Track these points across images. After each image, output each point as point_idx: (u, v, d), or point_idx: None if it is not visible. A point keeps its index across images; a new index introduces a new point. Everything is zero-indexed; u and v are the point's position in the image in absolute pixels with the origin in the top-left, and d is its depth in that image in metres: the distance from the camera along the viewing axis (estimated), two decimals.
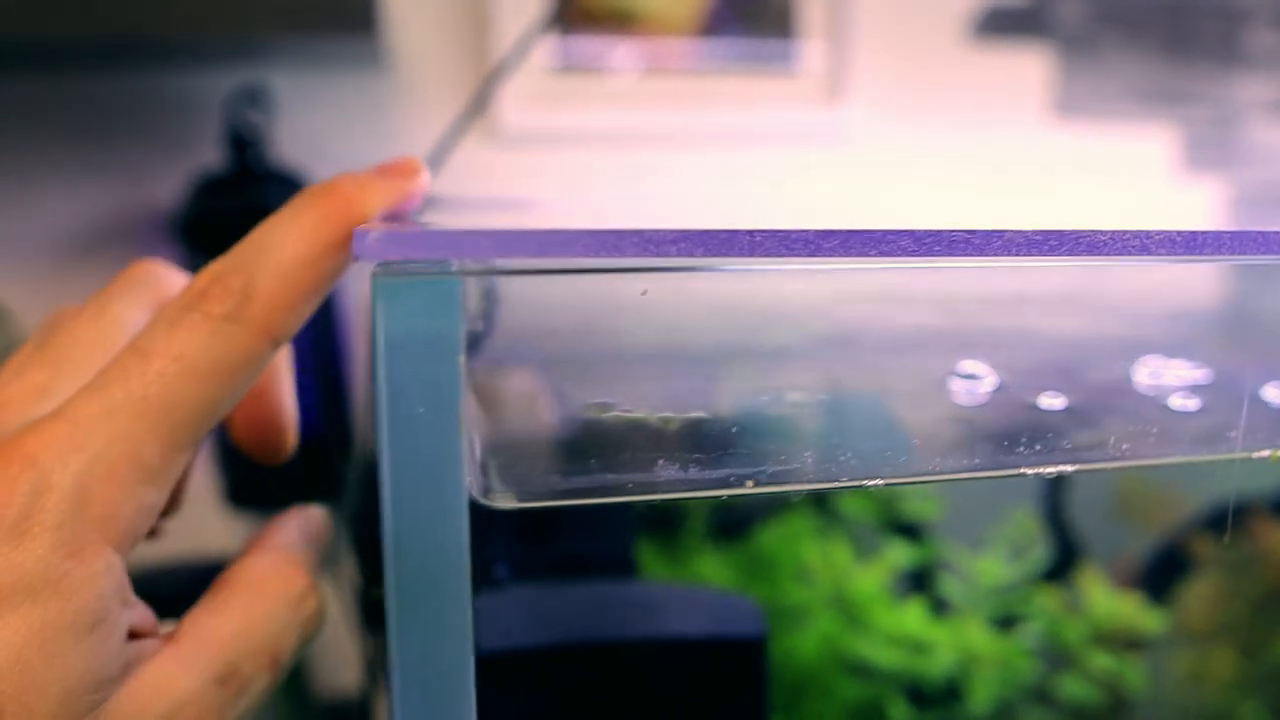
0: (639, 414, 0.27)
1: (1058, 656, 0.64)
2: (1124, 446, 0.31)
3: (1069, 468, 0.30)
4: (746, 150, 1.03)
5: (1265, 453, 0.31)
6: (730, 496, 0.27)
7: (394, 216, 0.29)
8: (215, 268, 0.26)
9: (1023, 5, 1.08)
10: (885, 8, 1.05)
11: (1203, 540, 0.69)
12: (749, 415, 0.28)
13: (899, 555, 0.66)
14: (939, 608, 0.66)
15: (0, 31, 0.72)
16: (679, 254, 0.22)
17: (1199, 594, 0.67)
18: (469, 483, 0.22)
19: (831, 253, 0.24)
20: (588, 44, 1.00)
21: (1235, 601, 0.66)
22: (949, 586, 0.66)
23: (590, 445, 0.26)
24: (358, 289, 0.96)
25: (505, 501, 0.25)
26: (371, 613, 0.70)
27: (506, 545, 0.39)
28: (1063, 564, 0.67)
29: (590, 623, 0.34)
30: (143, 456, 0.24)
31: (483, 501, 0.24)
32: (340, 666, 1.01)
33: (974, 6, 1.07)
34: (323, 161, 0.94)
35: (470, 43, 0.98)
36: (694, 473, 0.26)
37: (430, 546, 0.21)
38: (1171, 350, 0.38)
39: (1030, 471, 0.29)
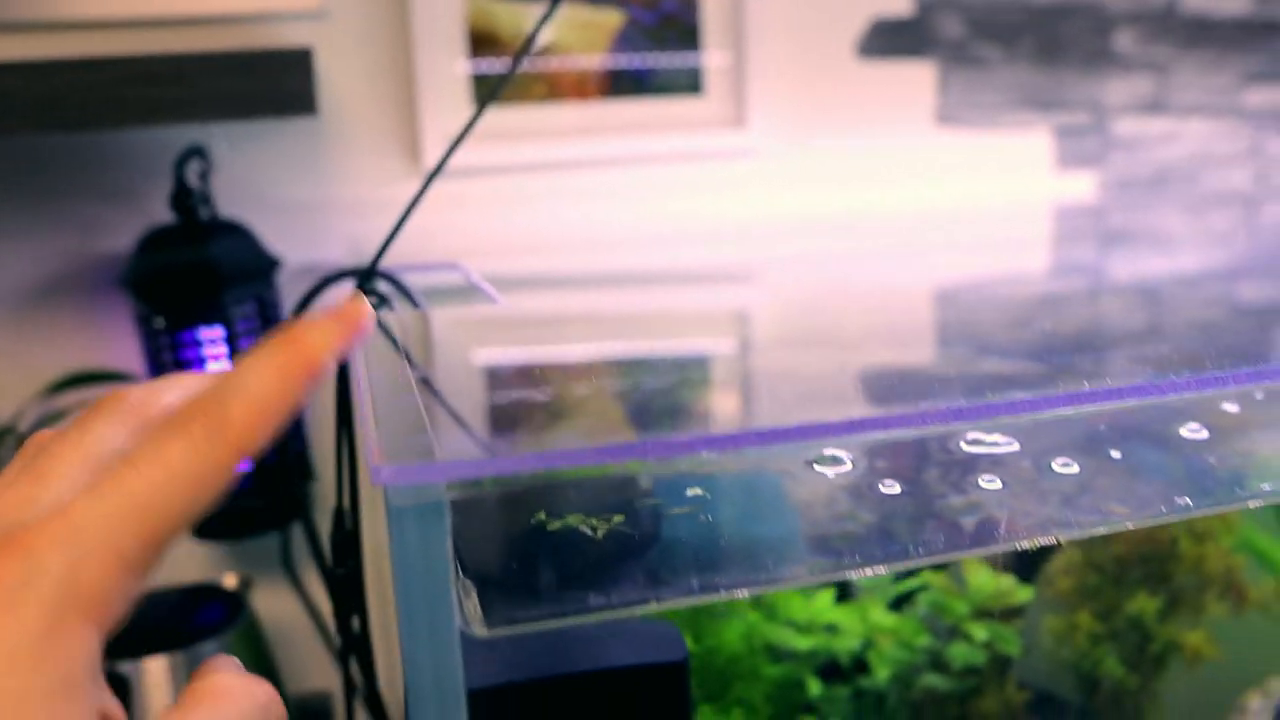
0: (572, 522, 0.35)
1: (946, 628, 0.75)
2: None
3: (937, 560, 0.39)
4: (658, 170, 1.12)
5: (1024, 544, 0.41)
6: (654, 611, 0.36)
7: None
8: (198, 400, 0.31)
9: (906, 19, 1.18)
10: (782, 31, 1.14)
11: None
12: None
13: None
14: (845, 594, 0.77)
15: None
16: (630, 457, 0.31)
17: (1060, 565, 0.78)
18: (459, 620, 0.31)
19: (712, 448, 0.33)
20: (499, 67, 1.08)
21: (1093, 569, 0.77)
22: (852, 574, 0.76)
23: (543, 573, 0.35)
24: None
25: (488, 631, 0.33)
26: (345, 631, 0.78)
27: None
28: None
29: (533, 661, 0.42)
30: (128, 551, 0.27)
31: (466, 631, 0.32)
32: (307, 669, 1.09)
33: (863, 25, 1.17)
34: (263, 209, 1.00)
35: (394, 84, 1.05)
36: (617, 596, 0.35)
37: (436, 676, 0.30)
38: None
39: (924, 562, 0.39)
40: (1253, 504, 0.43)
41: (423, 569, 0.29)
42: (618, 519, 0.36)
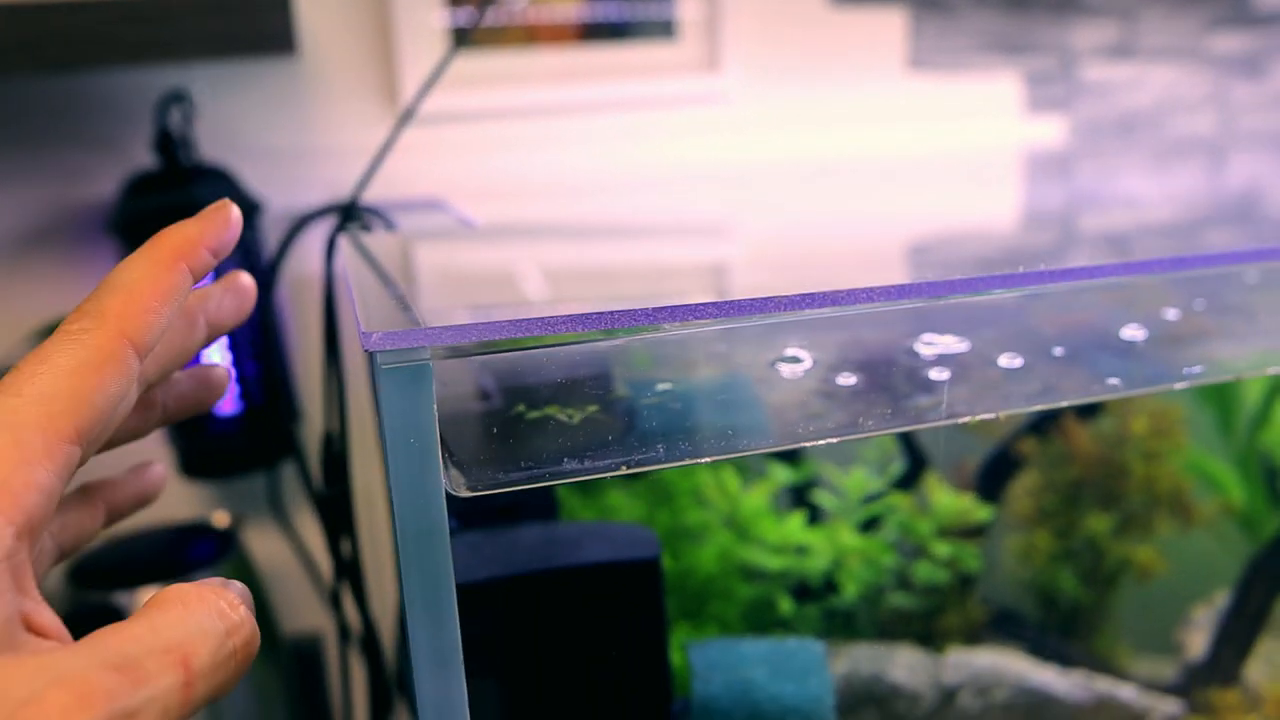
0: (550, 410, 0.38)
1: (911, 549, 0.79)
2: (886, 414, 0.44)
3: (860, 435, 0.42)
4: (633, 115, 1.14)
5: (966, 419, 0.44)
6: (627, 473, 0.39)
7: (219, 250, 0.38)
8: (80, 305, 0.33)
9: None
10: None
11: (1027, 441, 0.84)
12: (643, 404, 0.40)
13: (780, 476, 0.79)
14: (815, 517, 0.80)
15: None
16: (588, 327, 0.34)
17: (1023, 487, 0.82)
18: (446, 482, 0.34)
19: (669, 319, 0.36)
20: (479, 16, 1.09)
21: (1051, 491, 0.81)
22: (823, 499, 0.80)
23: (520, 446, 0.38)
24: (290, 280, 1.06)
25: (469, 492, 0.36)
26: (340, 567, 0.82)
27: (454, 501, 0.51)
28: (913, 473, 0.81)
29: (515, 558, 0.45)
30: (26, 442, 0.28)
31: (451, 492, 0.35)
32: (301, 611, 1.12)
33: None
34: (245, 153, 1.02)
35: (372, 33, 1.06)
36: (589, 463, 0.38)
37: (424, 527, 0.33)
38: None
39: (832, 440, 0.42)
40: (1177, 386, 0.46)
41: (410, 428, 0.32)
42: (592, 409, 0.39)
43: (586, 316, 0.33)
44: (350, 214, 0.72)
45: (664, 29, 1.14)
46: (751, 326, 0.44)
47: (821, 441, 0.40)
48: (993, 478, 0.83)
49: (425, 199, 0.90)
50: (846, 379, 0.42)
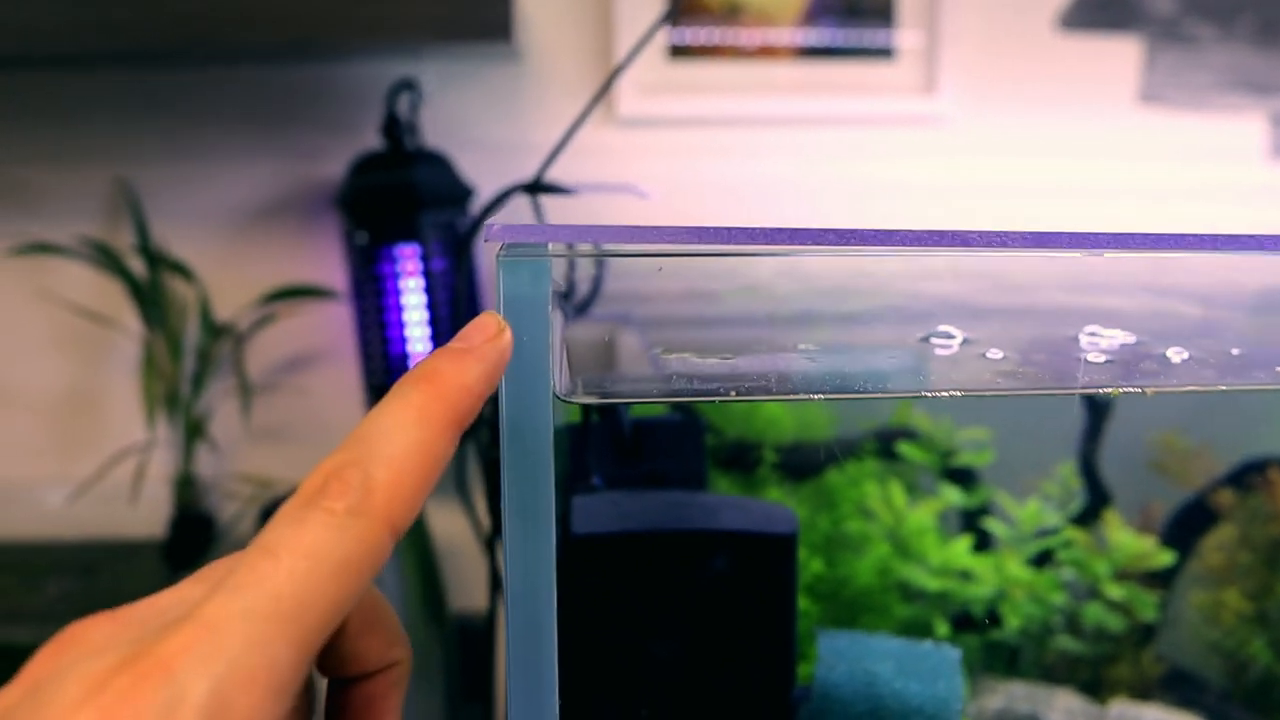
0: (686, 353, 0.39)
1: (1084, 590, 0.75)
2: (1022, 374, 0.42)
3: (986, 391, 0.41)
4: (847, 132, 1.14)
5: (1108, 390, 0.42)
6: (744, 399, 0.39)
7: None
8: (331, 463, 0.26)
9: None
10: None
11: (1226, 494, 0.78)
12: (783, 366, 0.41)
13: (951, 497, 0.77)
14: (984, 545, 0.77)
15: (203, 37, 0.88)
16: (701, 241, 0.34)
17: (1217, 539, 0.77)
18: (555, 386, 0.35)
19: (836, 241, 0.36)
20: (700, 34, 1.12)
21: (1248, 548, 0.75)
22: (994, 526, 0.77)
23: (645, 374, 0.39)
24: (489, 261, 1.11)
25: (576, 399, 0.37)
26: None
27: (603, 462, 0.53)
28: (1093, 510, 0.77)
29: (655, 518, 0.46)
30: (279, 663, 0.23)
31: (561, 398, 0.36)
32: (471, 589, 1.17)
33: None
34: (465, 144, 1.08)
35: (594, 36, 1.10)
36: (702, 386, 0.38)
37: (528, 429, 0.34)
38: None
39: (959, 393, 0.41)
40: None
41: (524, 324, 0.33)
42: (728, 355, 0.40)
43: (711, 231, 0.33)
44: (536, 190, 0.75)
45: (882, 48, 1.14)
46: (907, 307, 0.44)
47: (972, 393, 0.39)
48: (1183, 527, 0.78)
49: (620, 184, 0.92)
50: (994, 353, 0.41)
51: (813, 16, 1.12)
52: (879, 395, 0.40)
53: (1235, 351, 0.44)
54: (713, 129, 1.12)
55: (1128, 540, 0.72)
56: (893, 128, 1.14)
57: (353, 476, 0.25)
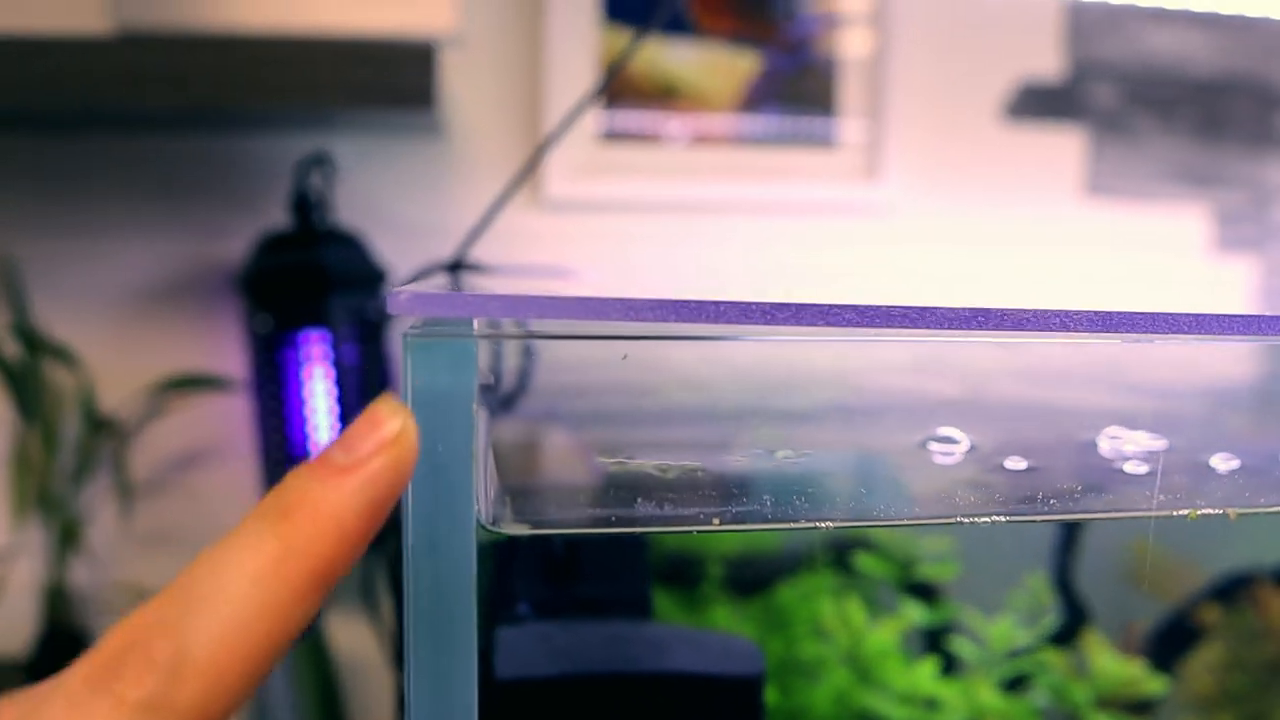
0: (639, 464, 0.31)
1: (1063, 717, 0.67)
2: (1052, 502, 0.35)
3: (1001, 518, 0.34)
4: (786, 220, 1.09)
5: (1184, 511, 0.35)
6: (700, 530, 0.31)
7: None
8: (137, 625, 0.19)
9: (1056, 86, 1.13)
10: (922, 87, 1.10)
11: (1210, 609, 0.72)
12: (741, 468, 0.33)
13: (914, 614, 0.70)
14: (951, 667, 0.70)
15: (100, 100, 0.80)
16: (655, 319, 0.27)
17: (1205, 661, 0.70)
18: (480, 511, 0.27)
19: (789, 321, 0.29)
20: (633, 118, 1.06)
21: (1239, 670, 0.69)
22: (962, 646, 0.70)
23: (590, 488, 0.31)
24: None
25: (509, 528, 0.29)
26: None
27: (530, 585, 0.44)
28: (1070, 628, 0.70)
29: (597, 656, 0.38)
30: None
31: (489, 528, 0.28)
32: (376, 710, 1.06)
33: (1009, 87, 1.13)
34: (380, 224, 1.00)
35: (522, 115, 1.04)
36: (670, 510, 0.30)
37: (443, 561, 0.26)
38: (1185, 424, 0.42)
39: (965, 520, 0.34)
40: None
41: (438, 427, 0.25)
42: (692, 465, 0.32)
43: (645, 304, 0.26)
44: (457, 269, 0.68)
45: (822, 136, 1.09)
46: (900, 408, 0.37)
47: (963, 520, 0.32)
48: (1167, 645, 0.71)
49: (549, 265, 0.86)
50: (1016, 462, 0.34)
51: (752, 103, 1.08)
52: (917, 522, 0.33)
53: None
54: (646, 215, 1.06)
55: (1112, 664, 0.65)
56: (834, 216, 1.09)
57: (161, 651, 0.19)
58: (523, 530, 0.30)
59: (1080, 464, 0.37)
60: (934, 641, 0.72)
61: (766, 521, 0.32)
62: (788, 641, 0.65)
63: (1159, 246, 1.18)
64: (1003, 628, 0.69)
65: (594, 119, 1.06)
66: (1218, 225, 1.20)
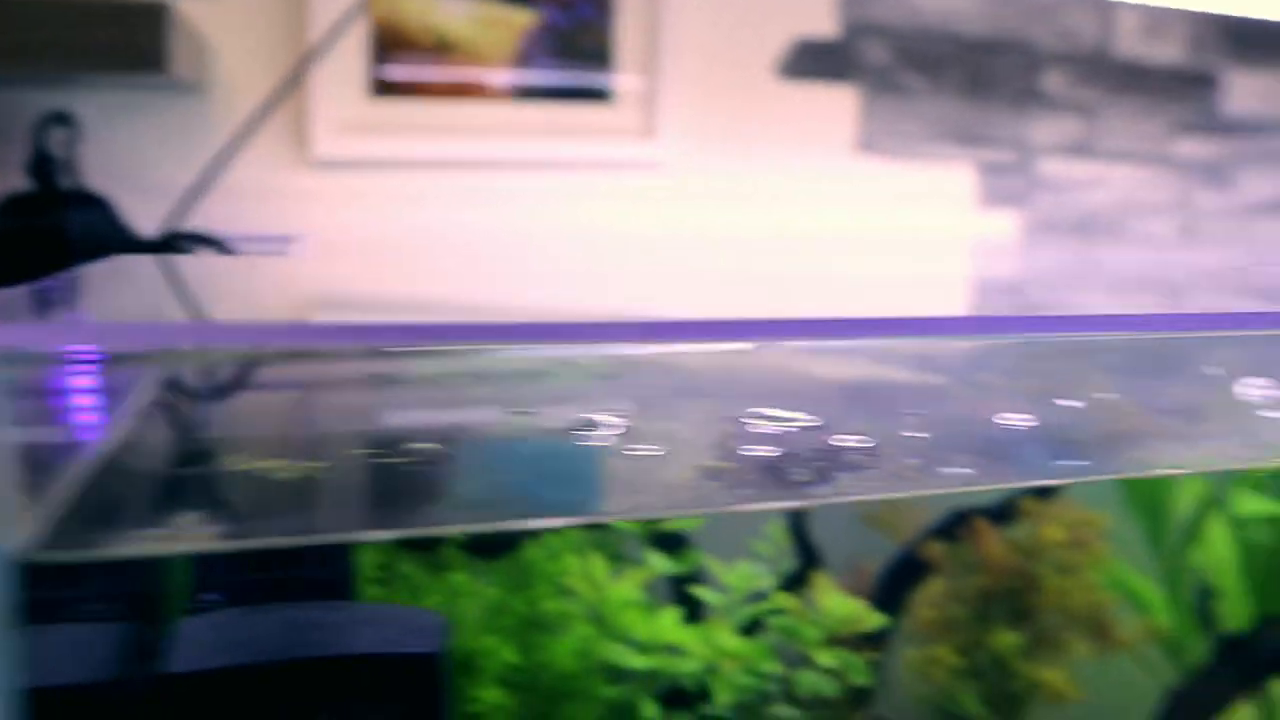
0: (243, 465, 0.32)
1: (796, 656, 0.72)
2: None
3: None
4: (563, 177, 1.10)
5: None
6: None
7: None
8: None
9: (831, 44, 1.17)
10: (699, 44, 1.12)
11: (935, 546, 0.77)
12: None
13: (659, 565, 0.73)
14: (696, 614, 0.73)
15: None
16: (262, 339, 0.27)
17: (929, 594, 0.76)
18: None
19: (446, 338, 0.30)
20: (405, 72, 1.05)
21: (957, 601, 0.74)
22: (704, 594, 0.73)
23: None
24: None
25: (47, 554, 0.28)
26: None
27: (223, 574, 0.44)
28: (802, 573, 0.75)
29: (266, 644, 0.39)
30: None
31: (23, 558, 0.27)
32: None
33: (785, 45, 1.16)
34: (134, 186, 0.97)
35: (284, 69, 1.02)
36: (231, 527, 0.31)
37: None
38: None
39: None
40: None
41: None
42: (319, 464, 0.32)
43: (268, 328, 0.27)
44: (169, 246, 0.66)
45: (599, 91, 1.11)
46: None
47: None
48: (895, 583, 0.76)
49: (275, 236, 0.85)
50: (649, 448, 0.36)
51: (528, 56, 1.08)
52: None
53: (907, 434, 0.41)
54: (419, 172, 1.06)
55: (837, 604, 0.69)
56: (610, 172, 1.11)
57: None
58: (70, 556, 0.30)
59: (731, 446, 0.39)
60: (679, 591, 0.75)
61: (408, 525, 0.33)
62: (530, 600, 0.67)
63: (927, 201, 1.24)
64: (742, 573, 0.73)
65: (365, 70, 1.04)
66: (984, 180, 1.27)
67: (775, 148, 1.17)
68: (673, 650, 0.70)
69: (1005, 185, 1.29)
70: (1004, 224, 1.29)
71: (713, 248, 1.16)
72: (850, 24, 1.18)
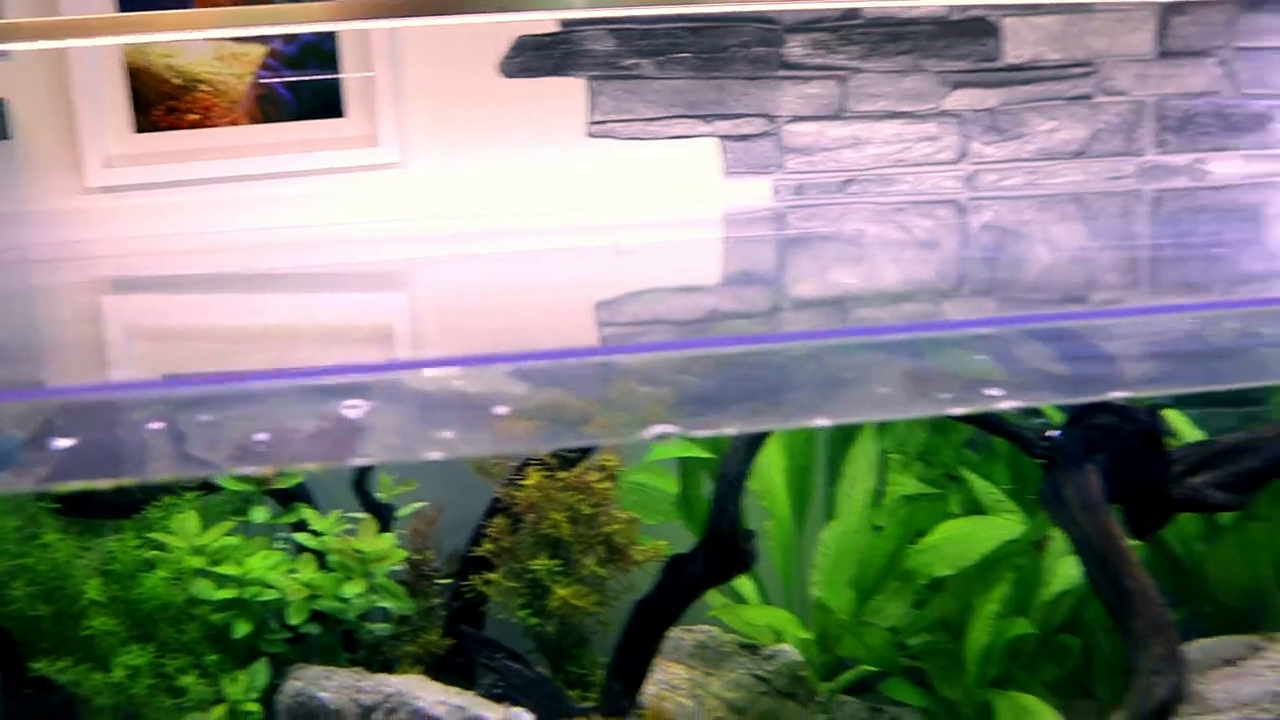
0: None
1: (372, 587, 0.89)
2: None
3: None
4: (307, 185, 1.27)
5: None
6: None
7: None
8: None
9: (553, 38, 1.30)
10: (424, 52, 1.27)
11: (507, 490, 0.94)
12: None
13: (259, 515, 0.91)
14: (293, 555, 0.92)
15: None
16: None
17: (496, 528, 0.92)
18: None
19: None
20: (162, 111, 1.24)
21: (510, 534, 0.91)
22: (304, 539, 0.91)
23: None
24: None
25: None
26: None
27: None
28: (381, 520, 0.92)
29: None
30: None
31: None
32: None
33: (508, 43, 1.29)
34: None
35: (64, 121, 1.22)
36: None
37: None
38: None
39: None
40: None
41: None
42: None
43: None
44: None
45: (332, 105, 1.27)
46: None
47: None
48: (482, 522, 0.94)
49: None
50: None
51: (264, 84, 1.25)
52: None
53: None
54: (175, 190, 1.24)
55: (371, 543, 0.87)
56: (352, 179, 1.28)
57: None
58: None
59: None
60: (290, 539, 0.94)
61: None
62: (131, 548, 0.86)
63: (671, 178, 1.37)
64: (330, 521, 0.91)
65: (127, 114, 1.23)
66: (727, 152, 1.39)
67: (507, 142, 1.31)
68: (267, 585, 0.88)
69: (753, 154, 1.40)
70: (755, 191, 1.41)
71: (453, 241, 1.32)
72: (568, 19, 1.31)
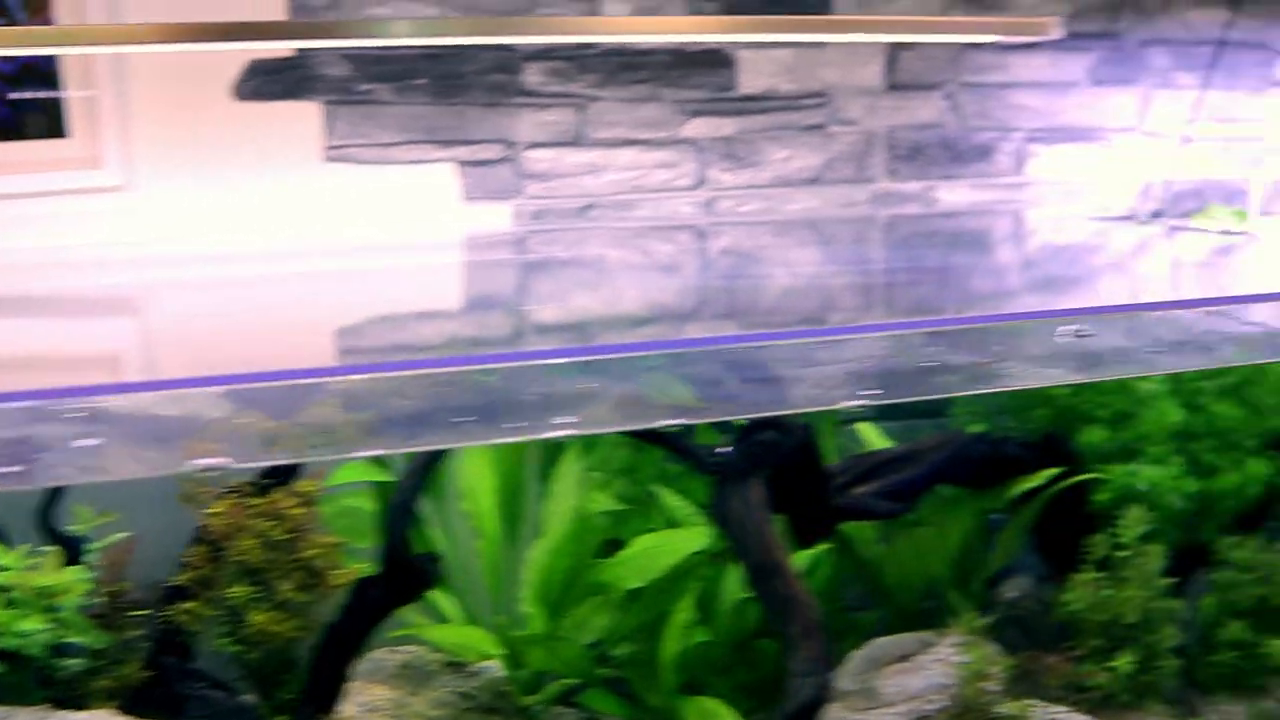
0: None
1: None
2: None
3: None
4: (28, 207, 1.23)
5: None
6: None
7: None
8: None
9: (286, 63, 1.30)
10: (152, 74, 1.25)
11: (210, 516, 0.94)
12: None
13: None
14: None
15: None
16: None
17: (195, 555, 0.93)
18: None
19: None
20: None
21: (210, 563, 0.92)
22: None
23: None
24: None
25: None
26: None
27: None
28: (73, 549, 0.92)
29: None
30: None
31: None
32: None
33: (241, 67, 1.29)
34: None
35: None
36: None
37: None
38: None
39: None
40: None
41: None
42: None
43: None
44: None
45: (55, 126, 1.24)
46: None
47: None
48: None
49: None
50: None
51: None
52: None
53: None
54: None
55: (55, 578, 0.86)
56: (67, 199, 1.25)
57: None
58: None
59: None
60: None
61: None
62: None
63: (408, 203, 1.39)
64: (13, 556, 0.89)
65: None
66: (467, 177, 1.42)
67: (241, 166, 1.31)
68: None
69: (491, 180, 1.44)
70: (494, 216, 1.44)
71: (180, 265, 1.30)
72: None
